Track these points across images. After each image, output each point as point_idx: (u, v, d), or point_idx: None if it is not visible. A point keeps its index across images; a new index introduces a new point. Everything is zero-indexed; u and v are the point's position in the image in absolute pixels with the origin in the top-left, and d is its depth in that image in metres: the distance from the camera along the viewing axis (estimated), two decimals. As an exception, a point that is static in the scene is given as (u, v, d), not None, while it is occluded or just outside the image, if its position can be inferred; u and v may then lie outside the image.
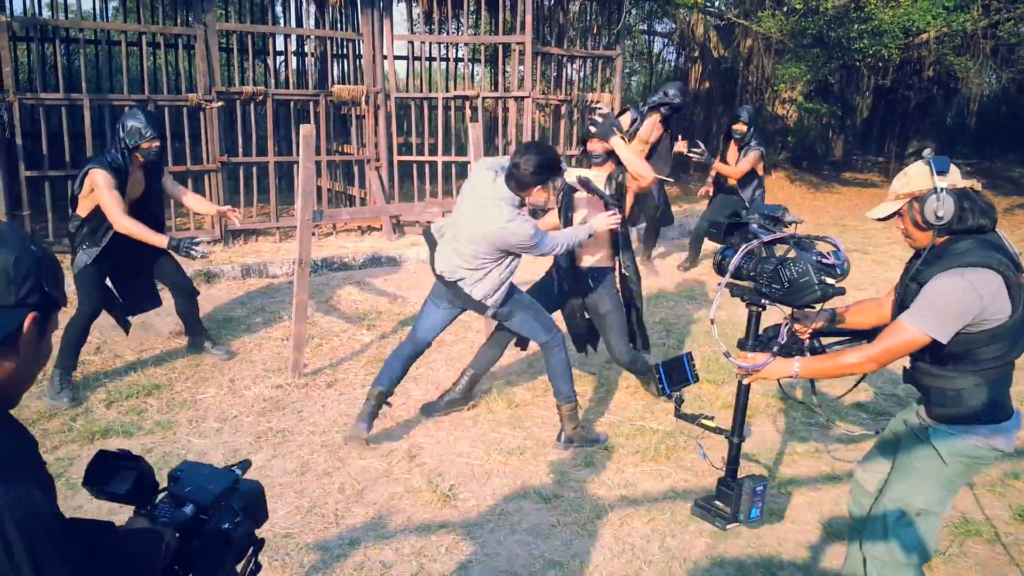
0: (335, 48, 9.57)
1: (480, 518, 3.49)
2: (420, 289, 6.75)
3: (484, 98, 8.93)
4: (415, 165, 8.93)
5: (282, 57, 10.19)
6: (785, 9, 11.51)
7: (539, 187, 3.76)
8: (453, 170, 8.88)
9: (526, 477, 3.87)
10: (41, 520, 1.19)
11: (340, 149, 9.06)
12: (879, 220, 2.56)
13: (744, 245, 2.67)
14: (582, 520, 3.49)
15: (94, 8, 8.98)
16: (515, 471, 3.93)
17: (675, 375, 3.02)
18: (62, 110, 7.21)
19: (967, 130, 19.34)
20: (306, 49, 9.19)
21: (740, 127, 7.27)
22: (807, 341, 2.81)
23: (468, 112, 8.94)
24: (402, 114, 10.44)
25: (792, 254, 2.59)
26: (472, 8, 10.69)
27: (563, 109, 9.56)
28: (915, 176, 2.46)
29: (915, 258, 2.54)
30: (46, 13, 8.82)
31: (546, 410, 4.63)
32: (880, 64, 13.57)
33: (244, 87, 7.84)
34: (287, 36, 9.71)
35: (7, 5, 7.29)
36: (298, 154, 4.84)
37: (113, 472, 1.40)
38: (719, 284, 2.72)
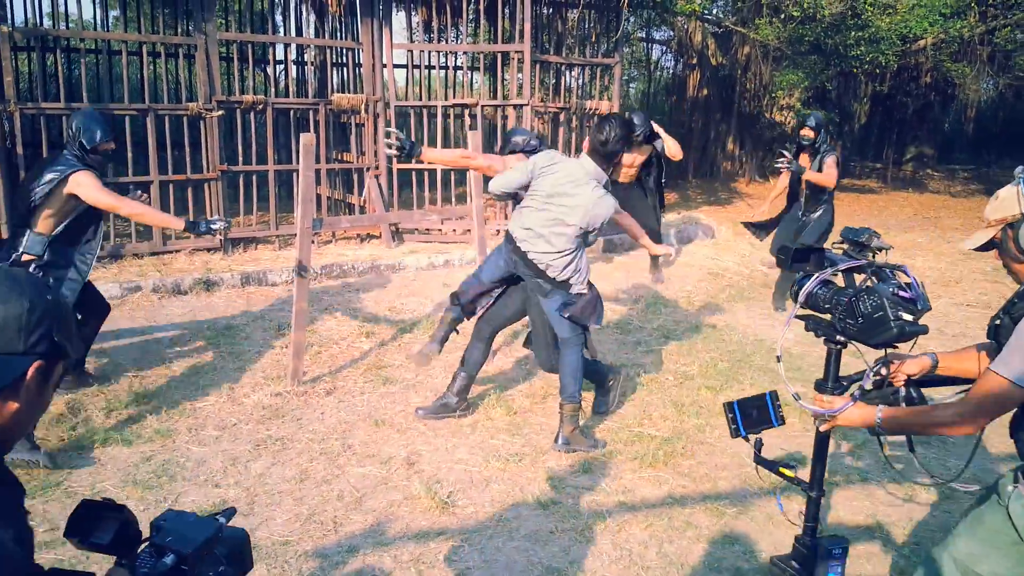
0: (335, 57, 9.62)
1: (478, 525, 3.50)
2: (419, 297, 6.78)
3: (483, 106, 8.96)
4: (414, 173, 8.96)
5: (282, 66, 10.25)
6: (782, 16, 11.56)
7: (624, 154, 4.17)
8: (452, 178, 8.92)
9: (524, 483, 3.88)
10: (12, 571, 1.18)
11: (340, 157, 9.09)
12: (975, 250, 2.25)
13: (818, 273, 2.40)
14: (580, 526, 3.51)
15: (95, 18, 9.03)
16: (513, 478, 3.94)
17: (755, 414, 2.64)
18: (63, 120, 7.23)
19: (964, 136, 19.41)
20: (306, 58, 9.23)
21: (807, 132, 6.93)
22: (902, 389, 2.41)
23: (467, 120, 8.98)
24: (402, 122, 10.48)
25: (869, 284, 2.31)
26: (471, 17, 10.74)
27: (562, 117, 9.59)
28: (1007, 199, 2.14)
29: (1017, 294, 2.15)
30: (47, 23, 8.86)
31: (544, 417, 4.64)
32: (877, 71, 13.61)
33: (244, 96, 7.88)
34: (287, 45, 9.77)
35: (8, 15, 7.34)
36: (298, 162, 4.87)
37: (96, 522, 1.39)
38: (789, 315, 2.50)
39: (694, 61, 15.44)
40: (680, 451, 4.29)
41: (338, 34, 9.27)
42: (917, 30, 11.35)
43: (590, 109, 9.73)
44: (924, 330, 2.24)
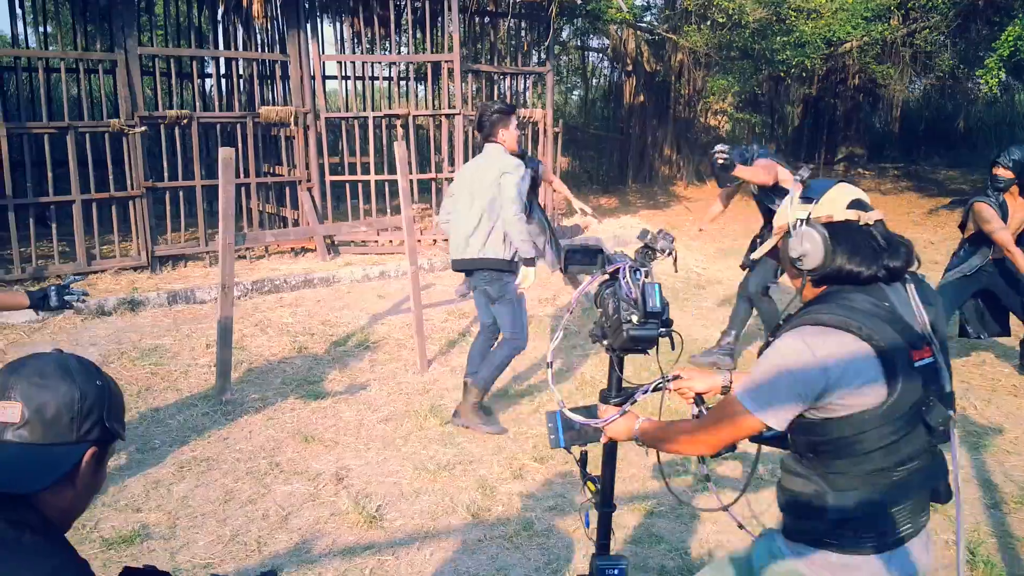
0: (265, 70, 9.50)
1: (407, 537, 3.47)
2: (353, 310, 6.71)
3: (415, 116, 8.93)
4: (348, 185, 8.88)
5: (211, 80, 10.07)
6: (709, 23, 11.78)
7: (502, 128, 4.41)
8: (387, 189, 8.86)
9: (455, 493, 3.86)
10: None
11: (271, 171, 8.97)
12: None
13: (594, 275, 2.17)
14: (509, 533, 3.49)
15: (12, 35, 8.77)
16: (444, 488, 3.91)
17: (578, 428, 2.25)
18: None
19: (893, 135, 19.99)
20: (233, 71, 9.09)
21: (1003, 172, 5.23)
22: (693, 407, 2.17)
23: (399, 131, 8.94)
24: (337, 134, 10.39)
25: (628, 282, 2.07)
26: (404, 27, 10.71)
27: (496, 125, 9.61)
28: (783, 208, 1.88)
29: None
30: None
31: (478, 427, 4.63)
32: (805, 74, 13.96)
33: (168, 111, 7.72)
34: (215, 59, 9.62)
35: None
36: (219, 177, 4.79)
37: None
38: (562, 322, 2.39)
39: (630, 68, 15.64)
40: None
41: (266, 47, 9.15)
42: (841, 34, 11.67)
43: (524, 117, 9.77)
44: (651, 335, 1.99)
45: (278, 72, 8.97)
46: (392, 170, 8.60)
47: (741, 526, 2.21)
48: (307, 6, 8.40)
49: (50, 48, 9.95)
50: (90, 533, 3.44)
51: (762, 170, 5.49)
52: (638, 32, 14.86)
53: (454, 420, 4.57)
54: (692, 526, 3.59)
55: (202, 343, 5.77)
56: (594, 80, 19.53)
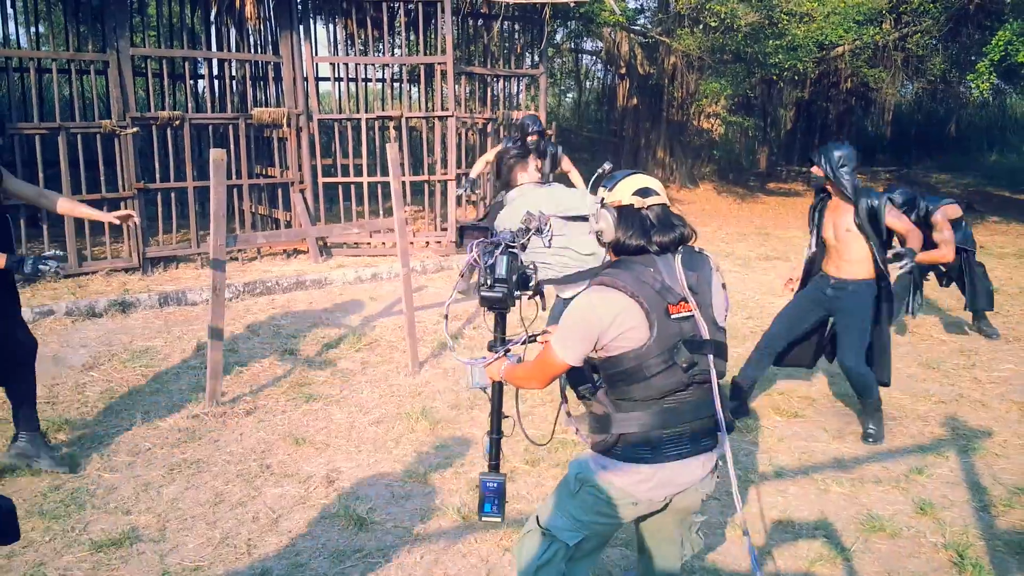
0: (257, 71, 9.49)
1: (396, 540, 3.46)
2: (345, 312, 6.71)
3: (408, 118, 8.93)
4: (341, 187, 8.88)
5: (204, 81, 10.06)
6: (702, 27, 11.81)
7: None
8: (379, 191, 8.86)
9: (446, 496, 3.85)
10: None
11: (263, 172, 8.96)
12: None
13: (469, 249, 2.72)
14: (499, 536, 3.49)
15: (4, 35, 8.74)
16: (435, 490, 3.91)
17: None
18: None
19: (884, 139, 20.07)
20: (226, 72, 9.07)
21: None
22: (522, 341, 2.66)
23: (392, 133, 8.94)
24: (330, 136, 10.39)
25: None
26: (397, 29, 10.72)
27: (489, 127, 9.62)
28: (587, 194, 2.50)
29: None
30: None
31: (470, 427, 4.63)
32: (797, 78, 14.01)
33: (160, 112, 7.70)
34: (208, 60, 9.60)
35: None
36: (209, 179, 4.77)
37: None
38: (457, 281, 3.14)
39: (623, 71, 15.67)
40: (603, 456, 4.31)
41: (259, 48, 9.14)
42: (833, 37, 11.72)
43: (516, 119, 9.78)
44: (494, 296, 2.53)
45: (271, 73, 8.96)
46: (385, 172, 8.59)
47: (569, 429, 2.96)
48: (300, 8, 8.40)
49: (42, 48, 9.94)
50: (79, 536, 3.42)
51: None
52: (631, 35, 14.90)
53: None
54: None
55: (193, 345, 5.76)
56: (587, 83, 19.58)
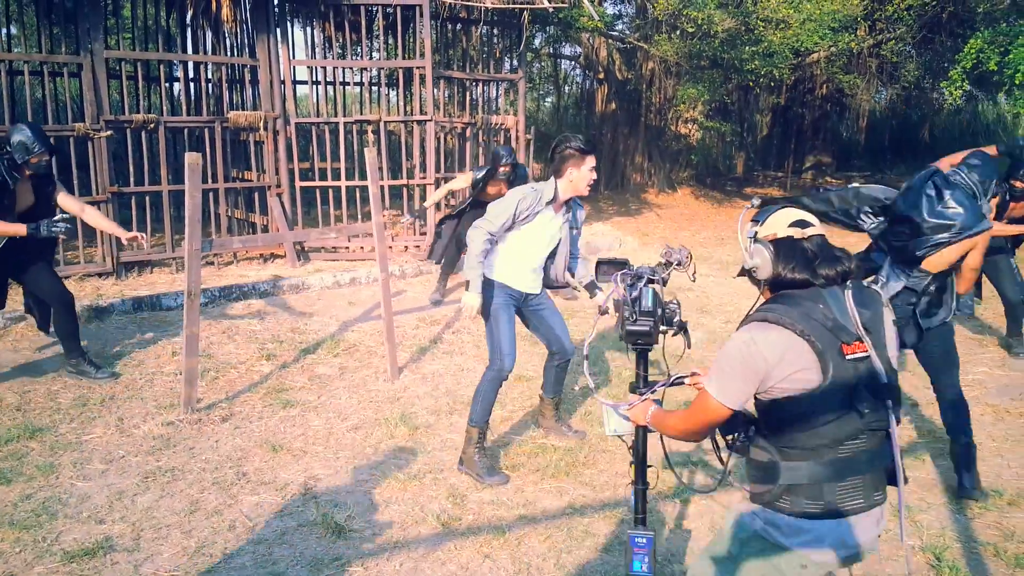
0: (234, 74, 9.41)
1: (375, 548, 3.43)
2: (323, 317, 6.65)
3: (387, 122, 8.90)
4: (318, 191, 8.82)
5: (179, 84, 9.96)
6: (679, 33, 11.88)
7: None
8: (358, 195, 8.81)
9: (425, 502, 3.83)
10: None
11: (240, 176, 8.88)
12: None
13: (615, 283, 2.56)
14: (479, 543, 3.47)
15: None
16: (414, 497, 3.88)
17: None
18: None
19: (859, 144, 20.29)
20: (202, 75, 8.98)
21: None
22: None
23: (370, 136, 8.90)
24: (307, 139, 10.32)
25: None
26: (376, 33, 10.68)
27: (468, 132, 9.61)
28: (740, 229, 2.28)
29: None
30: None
31: (449, 433, 4.60)
32: (773, 84, 14.13)
33: (135, 115, 7.61)
34: (184, 63, 9.50)
35: None
36: (185, 183, 4.72)
37: None
38: (595, 319, 2.73)
39: (601, 76, 15.72)
40: (582, 461, 4.31)
41: (235, 51, 9.06)
42: (808, 44, 11.82)
43: (496, 124, 9.78)
44: (642, 329, 2.42)
45: (247, 76, 8.89)
46: (363, 176, 8.55)
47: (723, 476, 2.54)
48: (277, 11, 8.34)
49: (14, 50, 9.78)
50: (51, 546, 3.36)
51: None
52: (609, 40, 14.95)
53: (459, 468, 4.14)
54: (663, 534, 3.59)
55: (168, 351, 5.69)
56: (566, 87, 19.62)
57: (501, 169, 6.95)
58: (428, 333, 6.43)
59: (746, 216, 2.31)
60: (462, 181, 7.47)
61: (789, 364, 1.98)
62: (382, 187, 8.28)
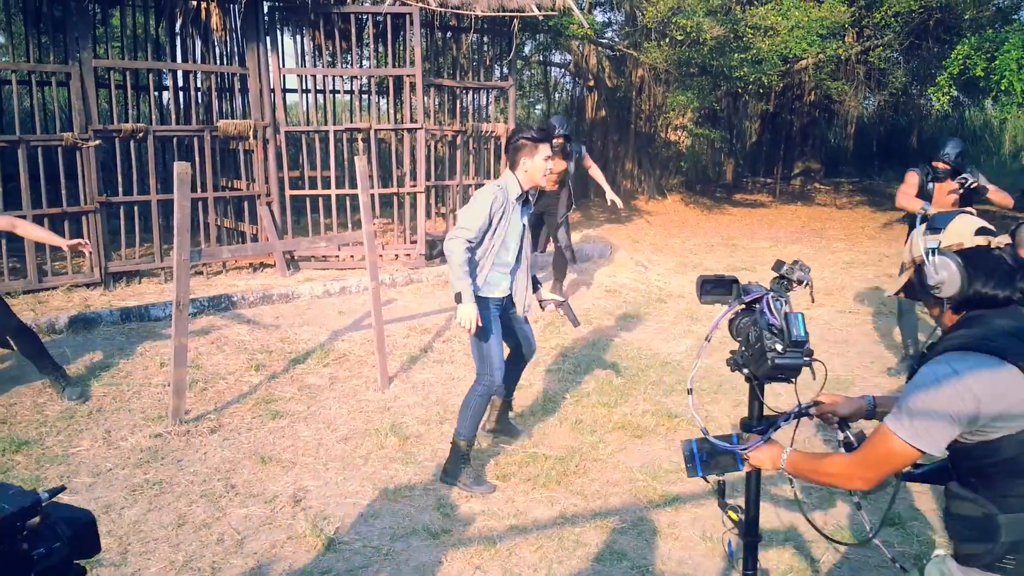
0: (223, 83, 9.39)
1: (365, 561, 3.41)
2: (313, 326, 6.63)
3: (377, 130, 8.88)
4: (308, 199, 8.79)
5: (168, 93, 9.92)
6: (668, 40, 11.92)
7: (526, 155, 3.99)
8: (348, 203, 8.79)
9: (415, 514, 3.81)
10: None
11: (230, 185, 8.85)
12: (902, 295, 2.05)
13: (728, 306, 2.25)
14: (470, 554, 3.45)
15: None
16: (404, 508, 3.86)
17: (716, 457, 2.20)
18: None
19: (848, 151, 20.38)
20: (191, 84, 8.96)
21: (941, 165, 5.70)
22: (839, 433, 2.18)
23: (360, 145, 8.89)
24: (297, 148, 10.30)
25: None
26: (366, 41, 10.66)
27: (458, 140, 9.60)
28: (915, 240, 1.95)
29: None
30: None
31: (440, 443, 4.58)
32: (762, 91, 14.19)
33: (123, 125, 7.57)
34: (173, 72, 9.48)
35: None
36: (173, 193, 4.69)
37: None
38: (701, 347, 2.23)
39: (591, 83, 15.76)
40: (573, 470, 4.30)
41: (225, 59, 9.04)
42: (796, 51, 11.89)
43: (486, 132, 9.78)
44: (796, 363, 2.03)
45: (237, 85, 8.87)
46: (353, 184, 8.53)
47: (894, 560, 2.25)
48: (267, 19, 8.33)
49: (2, 59, 9.74)
50: (36, 561, 3.32)
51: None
52: (599, 48, 14.99)
53: (441, 480, 4.10)
54: (654, 543, 3.58)
55: (156, 362, 5.65)
56: (556, 95, 19.65)
57: (555, 141, 6.67)
58: (418, 342, 6.41)
59: (920, 226, 2.01)
60: None
61: (1002, 397, 1.68)
62: (372, 196, 8.27)
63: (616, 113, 15.71)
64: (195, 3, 8.01)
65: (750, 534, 2.29)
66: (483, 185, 4.45)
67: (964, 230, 1.87)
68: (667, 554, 3.48)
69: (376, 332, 5.41)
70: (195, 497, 3.91)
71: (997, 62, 10.34)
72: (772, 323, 2.08)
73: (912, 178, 5.84)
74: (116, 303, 6.78)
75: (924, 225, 1.97)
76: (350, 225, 8.90)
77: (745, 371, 2.20)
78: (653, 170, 16.04)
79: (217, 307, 6.87)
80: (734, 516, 2.31)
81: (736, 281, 2.28)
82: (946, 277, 1.83)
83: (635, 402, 5.28)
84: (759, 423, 2.22)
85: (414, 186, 8.98)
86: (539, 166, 3.98)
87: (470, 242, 3.91)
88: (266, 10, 8.26)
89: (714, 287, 2.29)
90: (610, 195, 7.69)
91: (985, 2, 14.24)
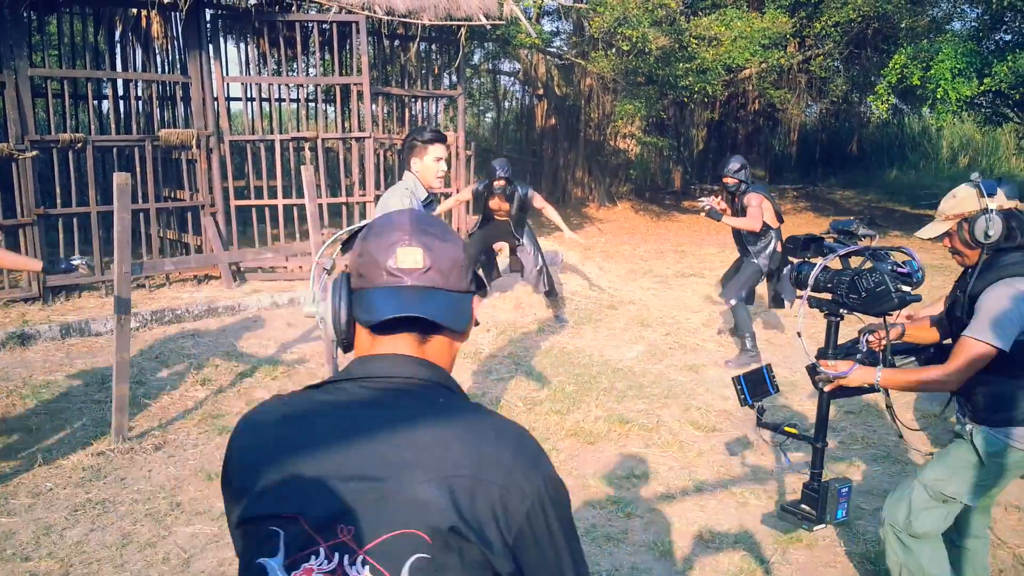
0: (165, 91, 9.21)
1: (316, 575, 3.35)
2: (261, 339, 6.52)
3: (324, 139, 8.80)
4: (254, 210, 8.66)
5: (108, 102, 9.69)
6: (615, 50, 12.05)
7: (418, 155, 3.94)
8: (295, 213, 8.68)
9: (367, 527, 3.76)
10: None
11: (172, 195, 8.67)
12: (929, 240, 2.76)
13: (822, 259, 2.71)
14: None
15: None
16: (356, 521, 3.81)
17: (757, 387, 2.97)
18: None
19: (791, 157, 20.84)
20: (131, 93, 8.77)
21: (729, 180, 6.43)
22: (880, 354, 2.83)
23: (308, 154, 8.79)
24: (243, 157, 10.14)
25: (868, 265, 2.65)
26: (312, 49, 10.58)
27: (407, 148, 9.56)
28: (964, 198, 2.66)
29: (965, 273, 2.75)
30: None
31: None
32: (707, 99, 14.43)
33: (61, 135, 7.37)
34: (113, 80, 9.27)
35: None
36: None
37: None
38: (801, 297, 2.73)
39: (541, 92, 15.85)
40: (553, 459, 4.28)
41: (166, 68, 8.87)
42: (740, 60, 12.13)
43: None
44: (918, 298, 2.61)
45: (179, 94, 8.70)
46: (301, 194, 8.42)
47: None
48: (209, 27, 8.19)
49: (-69, 68, 9.36)
50: (-30, 588, 3.20)
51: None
52: (548, 57, 15.09)
53: None
54: (607, 549, 3.59)
55: (97, 378, 5.50)
56: (506, 103, 19.73)
57: (496, 184, 7.01)
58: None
59: (974, 190, 2.66)
60: (467, 193, 7.55)
61: None
62: (320, 205, 8.18)
63: (566, 121, 15.82)
64: (135, 11, 7.85)
65: (820, 440, 2.86)
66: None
67: (1003, 195, 2.61)
68: (620, 560, 3.49)
69: (326, 343, 5.35)
70: (139, 516, 3.80)
71: (932, 71, 10.68)
72: (899, 270, 2.58)
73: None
74: (55, 318, 6.59)
75: (983, 189, 2.62)
76: (298, 235, 8.80)
77: (842, 312, 2.72)
78: (603, 178, 16.18)
79: (160, 321, 6.71)
80: (791, 430, 2.91)
81: (817, 239, 2.77)
82: (998, 229, 2.56)
83: (587, 409, 5.30)
84: (835, 351, 2.79)
85: (363, 195, 8.91)
86: (430, 168, 3.94)
87: None
88: (208, 18, 8.12)
89: (793, 248, 2.80)
90: (568, 234, 7.44)
91: (920, 12, 14.71)
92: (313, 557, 1.04)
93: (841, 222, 2.80)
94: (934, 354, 2.97)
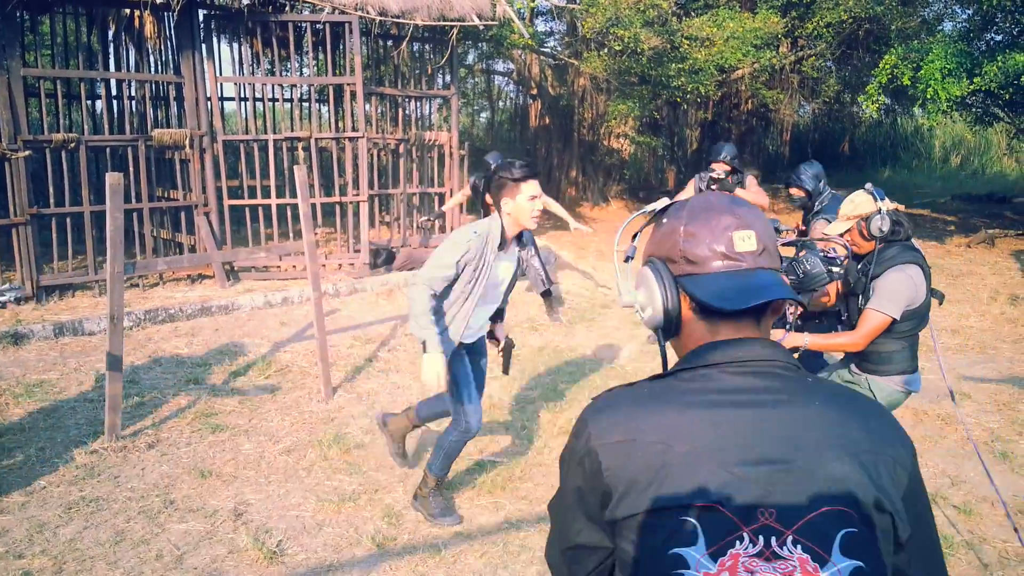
0: (158, 91, 9.21)
1: (309, 572, 3.38)
2: (254, 338, 6.54)
3: (317, 139, 8.82)
4: (248, 209, 8.67)
5: (102, 102, 9.69)
6: (607, 50, 12.08)
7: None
8: (289, 213, 8.69)
9: (360, 524, 3.79)
10: None
11: (166, 195, 8.68)
12: (838, 235, 3.38)
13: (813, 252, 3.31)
14: (415, 562, 3.45)
15: None
16: (349, 518, 3.84)
17: None
18: None
19: (784, 157, 20.89)
20: (125, 93, 8.77)
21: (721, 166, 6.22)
22: (793, 321, 3.55)
23: (301, 153, 8.80)
24: (236, 157, 10.15)
25: (803, 254, 3.27)
26: (305, 49, 10.58)
27: (401, 148, 9.59)
28: (862, 202, 3.38)
29: (856, 260, 3.45)
30: None
31: (385, 453, 4.55)
32: (700, 100, 14.47)
33: (54, 135, 7.38)
34: (106, 80, 9.27)
35: None
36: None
37: None
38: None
39: (534, 92, 15.87)
40: (519, 475, 4.32)
41: (159, 68, 8.88)
42: (732, 61, 12.16)
43: (429, 140, 9.79)
44: (843, 275, 3.26)
45: (172, 94, 8.71)
46: (294, 193, 8.43)
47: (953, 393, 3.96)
48: (202, 27, 8.20)
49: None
50: (-36, 585, 3.22)
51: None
52: (541, 57, 15.11)
53: (412, 503, 3.93)
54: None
55: (91, 377, 5.51)
56: (500, 103, 19.75)
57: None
58: (363, 352, 6.37)
59: (868, 196, 3.40)
60: (462, 196, 7.61)
61: (921, 286, 3.29)
62: (314, 205, 8.19)
63: (559, 121, 15.85)
64: (128, 11, 7.85)
65: None
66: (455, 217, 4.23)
67: (887, 200, 3.38)
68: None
69: (319, 342, 5.37)
70: (133, 514, 3.82)
71: (922, 72, 10.72)
72: (829, 255, 3.23)
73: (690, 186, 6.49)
74: (49, 317, 6.59)
75: (875, 196, 3.38)
76: (291, 235, 8.81)
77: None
78: (597, 177, 16.21)
79: (154, 320, 6.73)
80: None
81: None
82: (888, 226, 3.30)
83: (580, 407, 5.32)
84: (780, 322, 3.42)
85: (356, 195, 8.93)
86: (524, 208, 3.47)
87: (433, 291, 3.48)
88: (201, 18, 8.14)
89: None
90: (573, 224, 7.35)
91: (911, 13, 14.79)
92: (738, 542, 1.05)
93: (769, 220, 3.17)
94: (824, 324, 3.99)
